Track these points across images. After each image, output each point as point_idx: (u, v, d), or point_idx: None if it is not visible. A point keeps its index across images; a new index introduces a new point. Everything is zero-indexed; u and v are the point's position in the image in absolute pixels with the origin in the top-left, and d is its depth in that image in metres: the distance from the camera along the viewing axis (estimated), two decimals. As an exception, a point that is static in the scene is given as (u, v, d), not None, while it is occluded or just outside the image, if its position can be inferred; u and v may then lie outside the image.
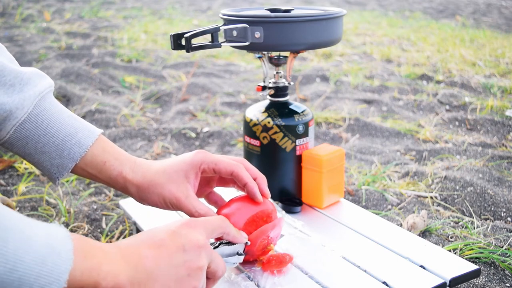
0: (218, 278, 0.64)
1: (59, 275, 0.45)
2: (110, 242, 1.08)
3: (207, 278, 0.64)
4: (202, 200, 0.81)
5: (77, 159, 0.72)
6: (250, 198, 0.76)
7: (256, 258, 0.77)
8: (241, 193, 0.79)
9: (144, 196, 0.75)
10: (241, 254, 0.71)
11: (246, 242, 0.71)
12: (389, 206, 1.23)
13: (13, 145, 0.71)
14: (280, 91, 0.99)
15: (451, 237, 1.08)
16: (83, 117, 1.88)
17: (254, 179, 0.76)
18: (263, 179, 0.78)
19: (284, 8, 0.94)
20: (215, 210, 0.78)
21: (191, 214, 0.73)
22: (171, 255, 0.58)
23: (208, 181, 0.81)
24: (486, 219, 1.20)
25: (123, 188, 0.75)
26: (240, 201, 0.76)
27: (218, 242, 0.69)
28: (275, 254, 0.78)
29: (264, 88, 0.99)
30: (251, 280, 0.75)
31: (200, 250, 0.60)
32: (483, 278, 0.94)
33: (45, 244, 0.45)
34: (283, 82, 0.99)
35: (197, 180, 0.75)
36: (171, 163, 0.75)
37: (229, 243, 0.70)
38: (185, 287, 0.58)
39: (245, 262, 0.78)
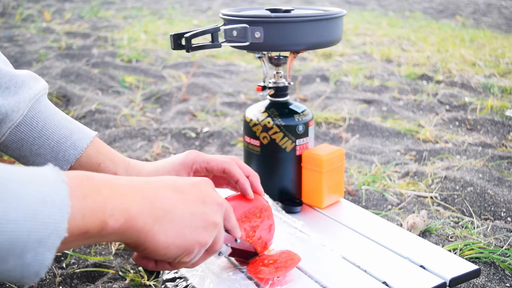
0: (214, 252, 0.63)
1: (55, 225, 0.41)
2: (110, 243, 1.08)
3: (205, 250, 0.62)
4: None
5: (72, 161, 0.73)
6: (243, 196, 0.77)
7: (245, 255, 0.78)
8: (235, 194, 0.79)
9: None
10: (228, 246, 0.71)
11: (236, 240, 0.71)
12: (389, 206, 1.23)
13: (8, 147, 0.71)
14: (280, 91, 0.99)
15: (451, 237, 1.08)
16: (83, 117, 1.88)
17: (247, 177, 0.78)
18: (255, 177, 0.78)
19: (284, 8, 0.94)
20: None
21: None
22: (191, 202, 0.56)
23: None
24: (486, 219, 1.20)
25: None
26: (234, 200, 0.77)
27: None
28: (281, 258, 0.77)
29: (264, 88, 0.99)
30: (251, 280, 0.75)
31: (219, 208, 0.59)
32: (483, 278, 0.94)
33: (35, 195, 0.41)
34: (283, 82, 0.99)
35: None
36: (163, 163, 0.77)
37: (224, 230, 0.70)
38: (198, 239, 0.56)
39: (243, 262, 0.79)
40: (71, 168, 0.74)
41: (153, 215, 0.51)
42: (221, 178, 0.82)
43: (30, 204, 0.40)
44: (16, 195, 0.40)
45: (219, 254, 0.71)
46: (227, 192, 0.82)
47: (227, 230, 0.69)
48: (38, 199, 0.41)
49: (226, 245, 0.71)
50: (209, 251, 0.62)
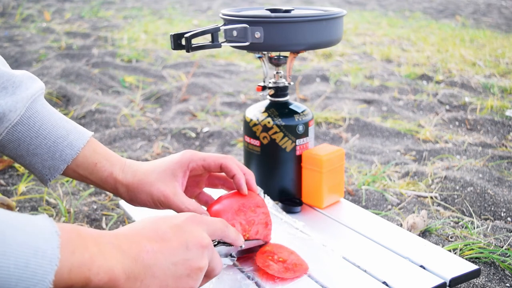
0: (214, 276, 0.64)
1: (43, 276, 0.42)
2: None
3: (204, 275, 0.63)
4: None
5: (69, 161, 0.73)
6: (238, 194, 0.78)
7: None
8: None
9: (133, 196, 0.76)
10: (233, 257, 0.72)
11: (241, 246, 0.71)
12: (389, 206, 1.23)
13: (5, 147, 0.72)
14: (280, 91, 0.99)
15: (451, 237, 1.08)
16: (83, 117, 1.88)
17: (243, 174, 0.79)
18: (251, 175, 0.79)
19: (284, 8, 0.94)
20: (205, 208, 0.79)
21: (180, 211, 0.74)
22: (173, 251, 0.56)
23: (197, 182, 0.83)
24: (486, 219, 1.20)
25: (114, 189, 0.77)
26: (229, 197, 0.78)
27: (217, 241, 0.70)
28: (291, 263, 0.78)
29: (264, 88, 0.99)
30: (251, 280, 0.75)
31: (203, 250, 0.59)
32: (483, 278, 0.94)
33: (28, 245, 0.42)
34: (283, 82, 0.99)
35: (185, 179, 0.77)
36: (160, 163, 0.77)
37: (226, 243, 0.70)
38: (183, 286, 0.56)
39: (243, 262, 0.79)
40: (67, 168, 0.74)
41: (135, 272, 0.52)
42: (216, 179, 0.83)
43: (23, 253, 0.41)
44: (10, 242, 0.41)
45: (224, 266, 0.71)
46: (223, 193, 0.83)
47: (229, 244, 0.70)
48: (31, 249, 0.42)
49: (231, 255, 0.72)
50: (208, 276, 0.63)
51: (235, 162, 0.78)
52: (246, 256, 0.79)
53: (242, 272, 0.77)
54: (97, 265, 0.48)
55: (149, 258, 0.54)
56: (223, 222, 0.67)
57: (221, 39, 0.88)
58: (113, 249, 0.51)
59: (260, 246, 0.79)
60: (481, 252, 1.00)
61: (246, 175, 0.78)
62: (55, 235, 0.44)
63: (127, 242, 0.54)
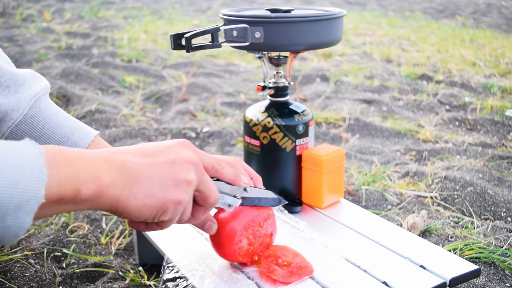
0: (210, 205, 0.63)
1: (34, 191, 0.44)
2: (110, 242, 1.08)
3: (198, 204, 0.63)
4: None
5: None
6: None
7: (250, 260, 0.77)
8: None
9: None
10: (237, 198, 0.70)
11: (245, 190, 0.70)
12: (389, 206, 1.23)
13: None
14: (280, 91, 0.99)
15: (451, 237, 1.08)
16: (83, 117, 1.88)
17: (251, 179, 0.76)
18: (259, 179, 0.77)
19: (284, 8, 0.94)
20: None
21: None
22: (160, 164, 0.57)
23: None
24: (486, 219, 1.20)
25: None
26: (238, 208, 0.75)
27: (216, 178, 0.68)
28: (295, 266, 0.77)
29: (264, 88, 0.99)
30: (252, 280, 0.75)
31: (190, 165, 0.59)
32: (483, 278, 0.94)
33: (17, 165, 0.44)
34: (283, 82, 0.99)
35: None
36: None
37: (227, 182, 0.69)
38: (170, 197, 0.56)
39: (244, 264, 0.78)
40: None
41: (122, 181, 0.53)
42: None
43: (11, 172, 0.43)
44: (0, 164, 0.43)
45: (229, 206, 0.70)
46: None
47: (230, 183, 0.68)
48: (18, 168, 0.44)
49: (235, 196, 0.70)
50: (204, 204, 0.63)
51: (243, 166, 0.76)
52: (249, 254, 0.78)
53: (242, 272, 0.76)
54: (84, 176, 0.49)
55: (134, 168, 0.54)
56: (217, 161, 0.66)
57: (221, 39, 0.88)
58: (98, 161, 0.52)
59: (268, 207, 0.76)
60: (481, 252, 1.00)
61: (253, 180, 0.76)
62: (39, 154, 0.46)
63: (112, 155, 0.54)
